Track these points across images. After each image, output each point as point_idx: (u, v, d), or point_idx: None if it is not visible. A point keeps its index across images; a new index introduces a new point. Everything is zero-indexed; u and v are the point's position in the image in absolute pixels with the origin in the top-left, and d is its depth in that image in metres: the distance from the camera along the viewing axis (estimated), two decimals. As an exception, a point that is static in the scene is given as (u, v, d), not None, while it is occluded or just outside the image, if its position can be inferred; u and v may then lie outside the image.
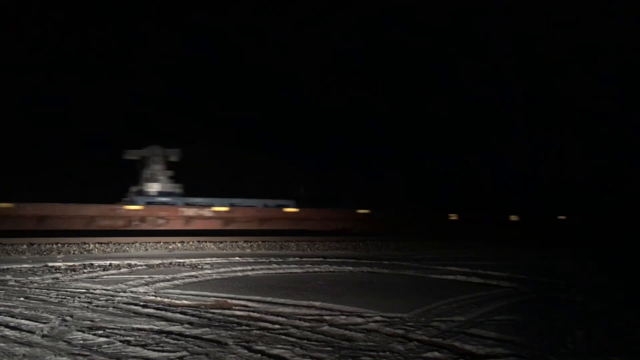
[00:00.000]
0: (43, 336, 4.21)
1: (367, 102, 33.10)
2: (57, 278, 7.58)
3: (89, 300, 5.83)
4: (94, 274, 8.07)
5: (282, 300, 5.89)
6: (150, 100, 28.61)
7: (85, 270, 8.52)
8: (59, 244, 13.13)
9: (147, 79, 28.38)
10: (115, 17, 29.73)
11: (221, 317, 5.05)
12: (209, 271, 8.57)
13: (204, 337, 4.27)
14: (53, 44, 27.45)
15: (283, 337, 4.30)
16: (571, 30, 32.39)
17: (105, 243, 13.66)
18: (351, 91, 32.63)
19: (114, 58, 29.37)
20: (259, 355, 3.80)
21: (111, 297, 6.02)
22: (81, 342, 4.08)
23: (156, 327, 4.57)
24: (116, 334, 4.33)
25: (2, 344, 3.97)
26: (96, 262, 9.63)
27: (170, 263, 9.68)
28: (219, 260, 10.46)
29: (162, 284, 7.14)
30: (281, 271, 8.85)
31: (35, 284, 6.97)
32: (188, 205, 19.75)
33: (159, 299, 5.97)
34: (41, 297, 5.99)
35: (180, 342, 4.12)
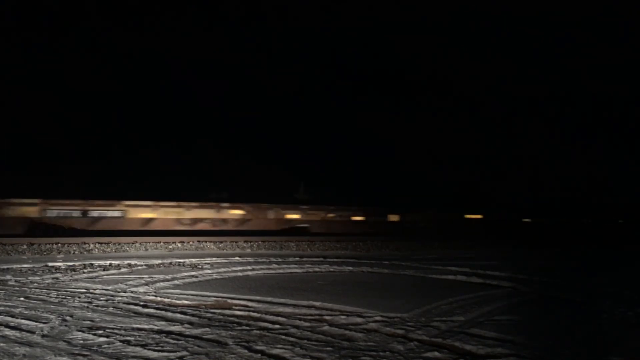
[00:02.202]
0: (43, 336, 4.21)
1: (365, 103, 33.12)
2: (57, 278, 7.58)
3: (89, 300, 5.83)
4: (94, 274, 8.08)
5: (282, 300, 5.90)
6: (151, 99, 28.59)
7: (85, 270, 8.52)
8: (59, 244, 13.13)
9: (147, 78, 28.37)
10: (115, 17, 29.70)
11: (221, 317, 5.05)
12: (209, 271, 8.57)
13: (204, 337, 4.27)
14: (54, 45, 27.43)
15: (283, 337, 4.30)
16: (571, 29, 32.37)
17: (105, 243, 13.66)
18: (350, 92, 32.65)
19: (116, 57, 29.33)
20: (259, 355, 3.80)
21: (111, 297, 6.02)
22: (81, 342, 4.08)
23: (156, 327, 4.57)
24: (116, 333, 4.33)
25: (2, 344, 3.97)
26: (96, 262, 9.64)
27: (170, 263, 9.68)
28: (219, 260, 10.47)
29: (162, 283, 7.14)
30: (281, 271, 8.85)
31: (35, 284, 6.98)
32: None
33: (159, 298, 5.97)
34: (41, 297, 6.00)
35: (180, 342, 4.12)
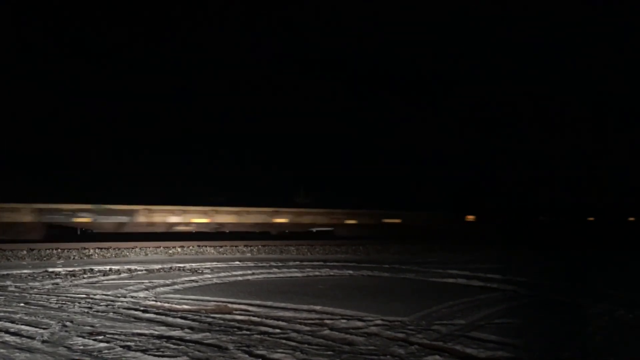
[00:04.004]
0: (43, 342, 4.21)
1: (366, 104, 33.19)
2: (57, 283, 7.57)
3: (89, 305, 5.82)
4: (94, 279, 8.07)
5: (282, 305, 5.89)
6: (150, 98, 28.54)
7: (85, 276, 8.51)
8: (59, 249, 13.12)
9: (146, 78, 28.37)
10: (116, 16, 29.76)
11: (222, 321, 5.05)
12: (209, 275, 8.56)
13: (205, 341, 4.26)
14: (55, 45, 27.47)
15: (284, 341, 4.30)
16: (571, 29, 32.49)
17: (105, 248, 13.65)
18: (350, 93, 32.71)
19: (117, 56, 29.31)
20: (260, 359, 3.80)
21: (111, 302, 6.01)
22: (81, 347, 4.07)
23: (156, 332, 4.56)
24: (116, 339, 4.33)
25: (2, 350, 3.96)
26: (96, 267, 9.63)
27: (171, 268, 9.67)
28: (219, 264, 10.45)
29: (162, 288, 7.13)
30: (281, 275, 8.85)
31: (35, 290, 6.97)
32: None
33: (159, 303, 5.96)
34: (41, 302, 5.99)
35: (180, 347, 4.11)
